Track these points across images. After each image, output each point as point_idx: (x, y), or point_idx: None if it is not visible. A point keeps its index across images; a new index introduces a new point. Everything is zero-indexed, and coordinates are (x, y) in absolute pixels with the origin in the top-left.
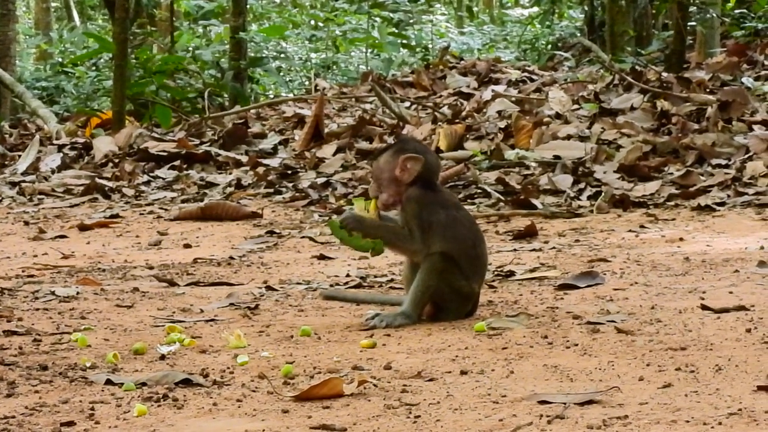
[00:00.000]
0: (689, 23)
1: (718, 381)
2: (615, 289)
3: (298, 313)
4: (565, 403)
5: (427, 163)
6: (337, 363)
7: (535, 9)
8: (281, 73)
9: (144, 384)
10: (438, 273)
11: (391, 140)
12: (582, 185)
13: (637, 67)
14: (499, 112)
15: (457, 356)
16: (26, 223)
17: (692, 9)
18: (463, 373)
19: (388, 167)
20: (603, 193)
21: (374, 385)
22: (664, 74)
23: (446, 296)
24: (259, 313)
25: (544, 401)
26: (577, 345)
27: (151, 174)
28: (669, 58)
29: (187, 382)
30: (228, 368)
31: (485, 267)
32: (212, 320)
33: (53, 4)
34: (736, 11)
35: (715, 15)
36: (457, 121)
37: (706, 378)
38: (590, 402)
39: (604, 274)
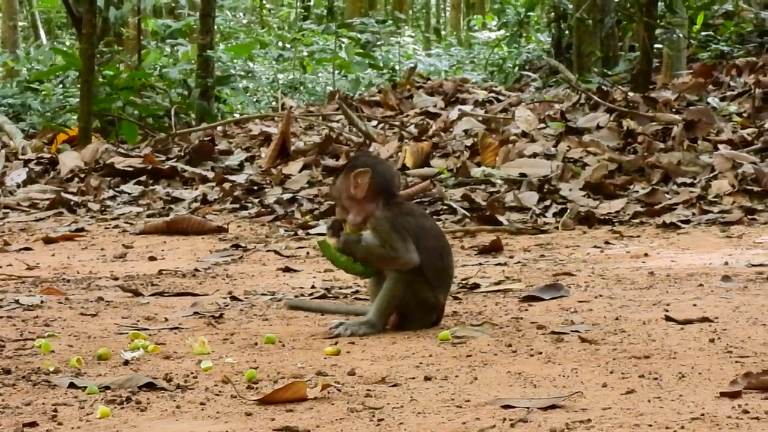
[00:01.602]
0: (656, 44)
1: (681, 388)
2: (579, 302)
3: (263, 322)
4: (528, 408)
5: (377, 173)
6: (301, 369)
7: (502, 32)
8: (248, 93)
9: (107, 387)
10: (404, 283)
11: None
12: (548, 202)
13: (603, 87)
14: (465, 131)
15: (421, 363)
16: None
17: (659, 30)
18: (427, 379)
19: (344, 188)
20: (568, 210)
21: (338, 390)
22: (631, 94)
23: (412, 306)
24: (223, 321)
25: (508, 405)
26: (541, 353)
27: (117, 189)
28: (635, 79)
29: (150, 386)
30: (192, 373)
31: (451, 278)
32: (176, 328)
33: (20, 23)
34: (702, 34)
35: (681, 36)
36: (424, 139)
37: (670, 385)
38: (553, 407)
39: (569, 287)
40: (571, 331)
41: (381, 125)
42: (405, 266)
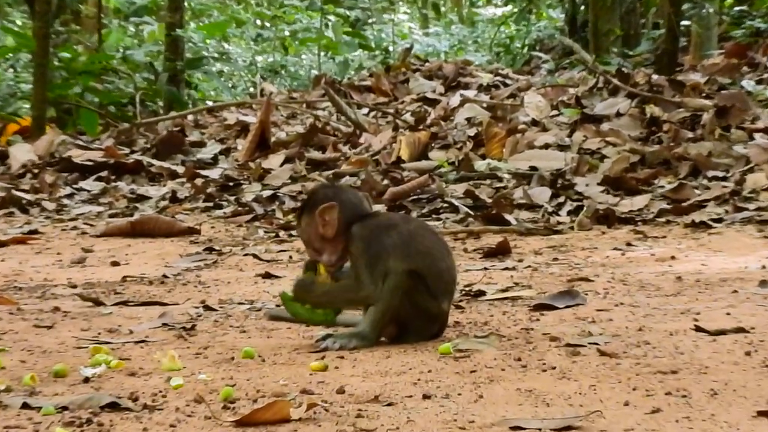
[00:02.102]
0: (682, 21)
1: (713, 406)
2: (598, 310)
3: (240, 335)
4: (540, 429)
5: (344, 204)
6: (283, 386)
7: (509, 8)
8: (223, 78)
9: (65, 408)
10: (402, 292)
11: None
12: (561, 199)
13: (623, 69)
14: (468, 119)
15: (419, 380)
16: None
17: (686, 5)
18: (426, 397)
19: (311, 229)
20: (585, 208)
21: (325, 410)
22: (655, 77)
23: (412, 317)
24: (195, 334)
25: (517, 427)
26: (554, 368)
27: (75, 186)
28: (660, 60)
29: (114, 406)
30: (160, 392)
31: (454, 282)
32: (143, 341)
33: None
34: (735, 9)
35: (711, 11)
36: (421, 128)
37: (700, 403)
38: (568, 428)
39: (586, 294)
40: (589, 343)
41: (373, 113)
42: (365, 299)
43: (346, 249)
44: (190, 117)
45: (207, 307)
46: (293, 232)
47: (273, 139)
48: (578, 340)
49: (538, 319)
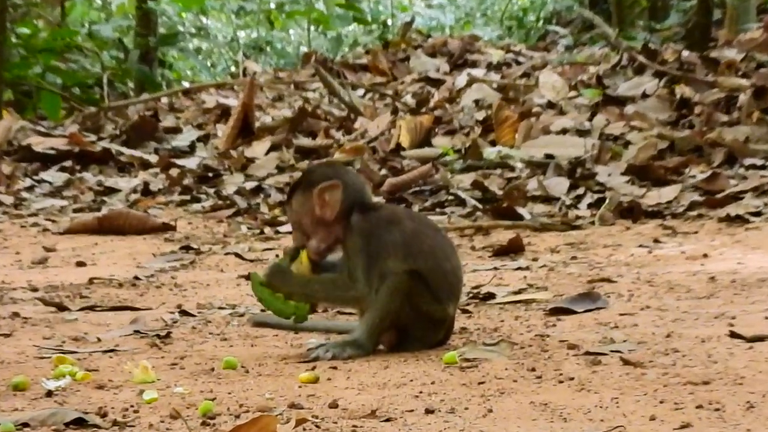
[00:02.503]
0: None
1: (749, 421)
2: (621, 315)
3: (221, 343)
4: None
5: (349, 186)
6: (269, 400)
7: None
8: (201, 56)
9: (26, 425)
10: (403, 295)
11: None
12: (581, 191)
13: (650, 44)
14: (476, 101)
15: (421, 392)
16: None
17: None
18: (429, 411)
19: (304, 209)
20: (607, 201)
21: (316, 426)
22: (685, 53)
23: (413, 322)
24: (171, 342)
25: None
26: (572, 379)
27: (36, 177)
28: (691, 34)
29: (80, 423)
30: (132, 406)
31: (460, 284)
32: (112, 350)
33: None
34: None
35: None
36: (423, 111)
37: (735, 417)
38: None
39: (608, 296)
40: (611, 351)
41: (369, 95)
42: (356, 300)
43: (339, 239)
44: (164, 100)
45: (184, 313)
46: (280, 229)
47: (257, 124)
48: (599, 348)
49: (554, 325)
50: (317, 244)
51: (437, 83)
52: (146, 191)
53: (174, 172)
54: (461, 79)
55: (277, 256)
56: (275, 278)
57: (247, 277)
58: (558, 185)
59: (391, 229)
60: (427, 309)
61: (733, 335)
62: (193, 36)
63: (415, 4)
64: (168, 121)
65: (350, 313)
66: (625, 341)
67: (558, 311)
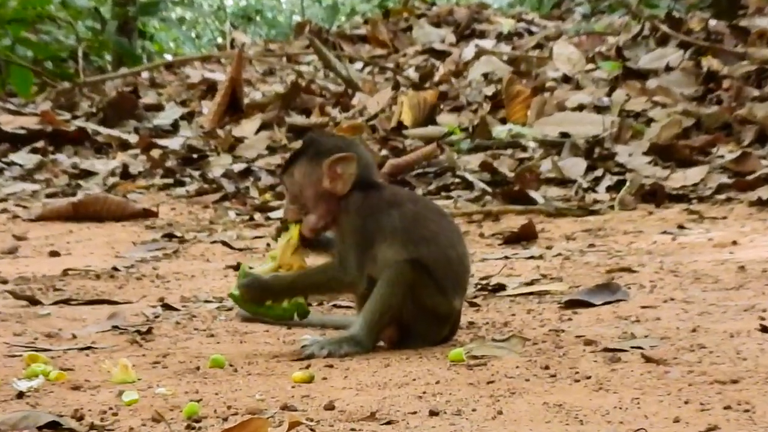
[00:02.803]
0: None
1: None
2: (643, 307)
3: (207, 339)
4: None
5: (362, 160)
6: (260, 402)
7: None
8: (184, 26)
9: None
10: (405, 287)
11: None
12: (599, 172)
13: (675, 13)
14: (484, 75)
15: (425, 392)
16: None
17: None
18: (434, 413)
19: (310, 180)
20: (628, 183)
21: (311, 429)
22: (713, 23)
23: (416, 317)
24: (153, 339)
25: None
26: (589, 378)
27: (5, 160)
28: (719, 1)
29: (54, 426)
30: (110, 408)
31: (468, 275)
32: (89, 348)
33: None
34: None
35: None
36: (427, 86)
37: (766, 419)
38: None
39: (629, 287)
40: (632, 347)
41: (368, 68)
42: (347, 286)
43: (337, 217)
44: (145, 74)
45: (166, 306)
46: (271, 215)
47: (246, 100)
48: (619, 344)
49: (570, 319)
50: (315, 221)
51: (442, 55)
52: (125, 174)
53: (155, 153)
54: (468, 50)
55: (238, 264)
56: (253, 292)
57: (236, 268)
58: (574, 166)
59: (390, 212)
60: (431, 302)
61: (765, 330)
62: (175, 4)
63: None
64: (149, 97)
65: (348, 307)
66: (646, 336)
67: (574, 304)
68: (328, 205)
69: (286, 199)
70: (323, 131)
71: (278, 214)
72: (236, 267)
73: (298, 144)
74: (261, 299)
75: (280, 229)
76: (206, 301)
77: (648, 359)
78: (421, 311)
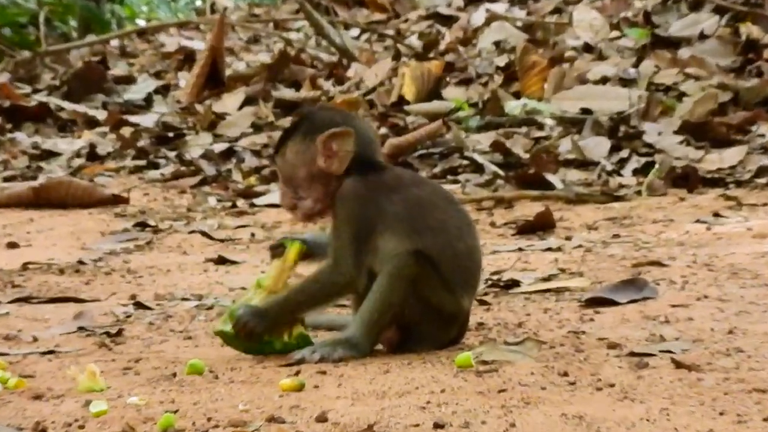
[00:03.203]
0: None
1: None
2: (673, 306)
3: (185, 343)
4: None
5: (361, 136)
6: (244, 412)
7: None
8: None
9: None
10: (407, 282)
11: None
12: (625, 153)
13: None
14: (496, 44)
15: (429, 402)
16: None
17: None
18: (439, 426)
19: (302, 159)
20: (657, 166)
21: None
22: None
23: (420, 317)
24: (123, 341)
25: None
26: (613, 386)
27: None
28: None
29: None
30: (76, 420)
31: (479, 270)
32: (51, 352)
33: None
34: None
35: None
36: (432, 57)
37: None
38: None
39: (657, 283)
40: (660, 351)
41: (366, 36)
42: (344, 286)
43: (334, 201)
44: (115, 42)
45: (139, 305)
46: (256, 201)
47: (228, 72)
48: (646, 348)
49: (591, 319)
50: (311, 204)
51: (449, 21)
52: (92, 155)
53: (126, 131)
54: (478, 15)
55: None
56: (250, 324)
57: (217, 261)
58: (596, 147)
59: (391, 197)
60: (436, 300)
61: None
62: None
63: None
64: (119, 68)
65: (342, 304)
66: (677, 339)
67: (596, 302)
68: (324, 188)
69: (280, 185)
70: (318, 105)
71: (265, 200)
72: (217, 261)
73: (288, 120)
74: (259, 331)
75: (275, 250)
76: (183, 299)
77: (679, 365)
78: (425, 310)
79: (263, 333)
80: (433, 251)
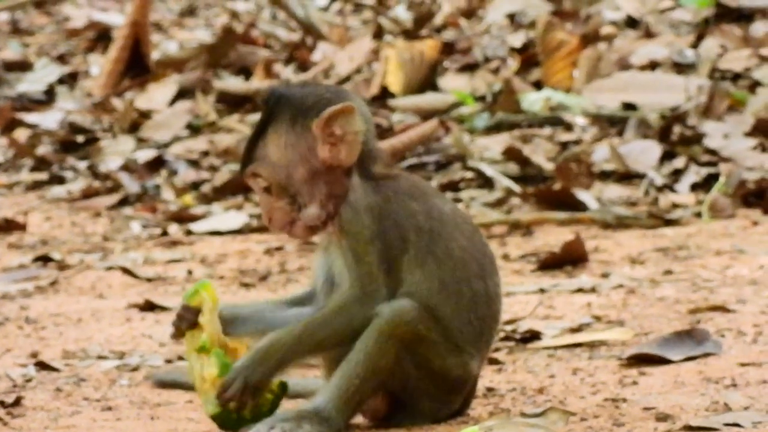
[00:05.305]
0: None
1: None
2: (742, 365)
3: (103, 414)
4: None
5: (363, 114)
6: None
7: None
8: None
9: None
10: (402, 345)
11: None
12: (680, 163)
13: None
14: (510, 17)
15: None
16: None
17: None
18: None
19: (297, 154)
20: (723, 179)
21: None
22: None
23: (416, 384)
24: (23, 413)
25: None
26: None
27: None
28: None
29: None
30: None
31: (496, 323)
32: None
33: None
34: None
35: None
36: (425, 35)
37: None
38: None
39: (722, 336)
40: (725, 425)
41: (337, 5)
42: (368, 319)
43: (339, 207)
44: (3, 16)
45: (42, 365)
46: (193, 227)
47: (155, 55)
48: (706, 420)
49: (635, 383)
50: (318, 211)
51: None
52: None
53: (21, 134)
54: None
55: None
56: (247, 382)
57: (144, 308)
58: (643, 154)
59: (411, 207)
60: (439, 364)
61: None
62: None
63: None
64: (10, 50)
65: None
66: (746, 409)
67: (642, 360)
68: (329, 187)
69: (264, 201)
70: (289, 82)
71: (205, 225)
72: (144, 306)
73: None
74: (258, 389)
75: (179, 330)
76: (100, 357)
77: None
78: (423, 376)
79: (259, 395)
80: (439, 296)
